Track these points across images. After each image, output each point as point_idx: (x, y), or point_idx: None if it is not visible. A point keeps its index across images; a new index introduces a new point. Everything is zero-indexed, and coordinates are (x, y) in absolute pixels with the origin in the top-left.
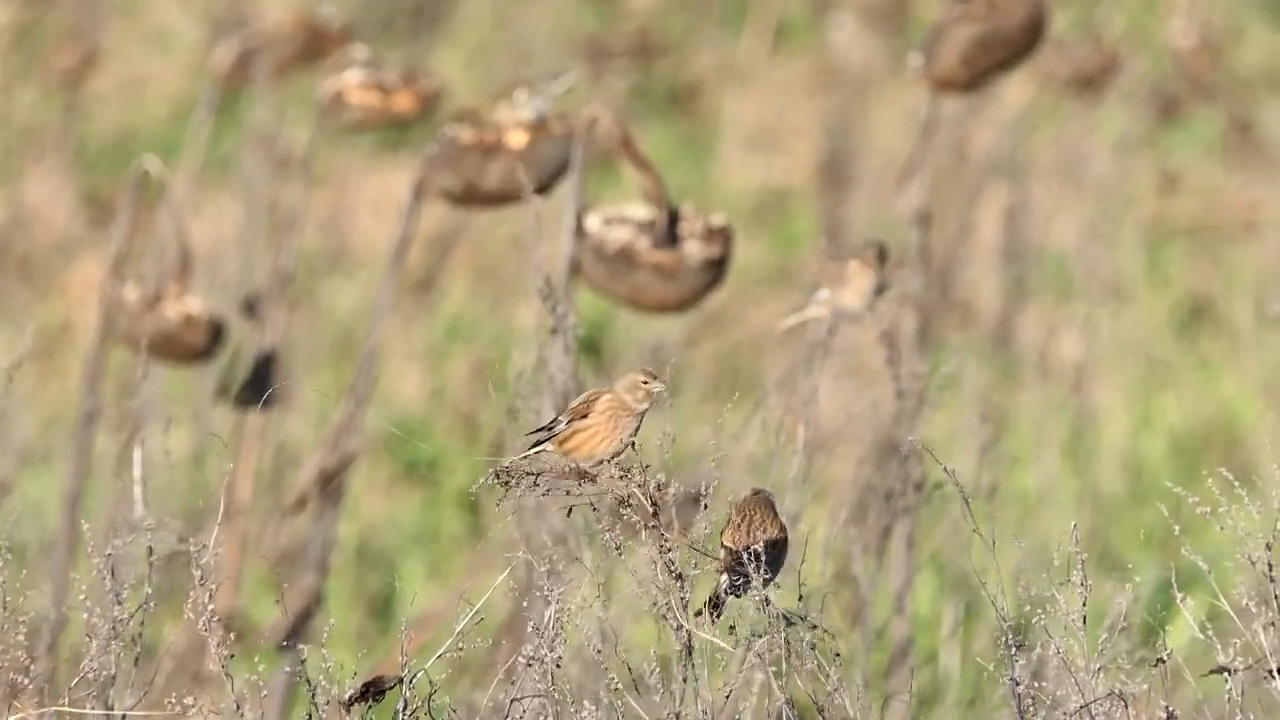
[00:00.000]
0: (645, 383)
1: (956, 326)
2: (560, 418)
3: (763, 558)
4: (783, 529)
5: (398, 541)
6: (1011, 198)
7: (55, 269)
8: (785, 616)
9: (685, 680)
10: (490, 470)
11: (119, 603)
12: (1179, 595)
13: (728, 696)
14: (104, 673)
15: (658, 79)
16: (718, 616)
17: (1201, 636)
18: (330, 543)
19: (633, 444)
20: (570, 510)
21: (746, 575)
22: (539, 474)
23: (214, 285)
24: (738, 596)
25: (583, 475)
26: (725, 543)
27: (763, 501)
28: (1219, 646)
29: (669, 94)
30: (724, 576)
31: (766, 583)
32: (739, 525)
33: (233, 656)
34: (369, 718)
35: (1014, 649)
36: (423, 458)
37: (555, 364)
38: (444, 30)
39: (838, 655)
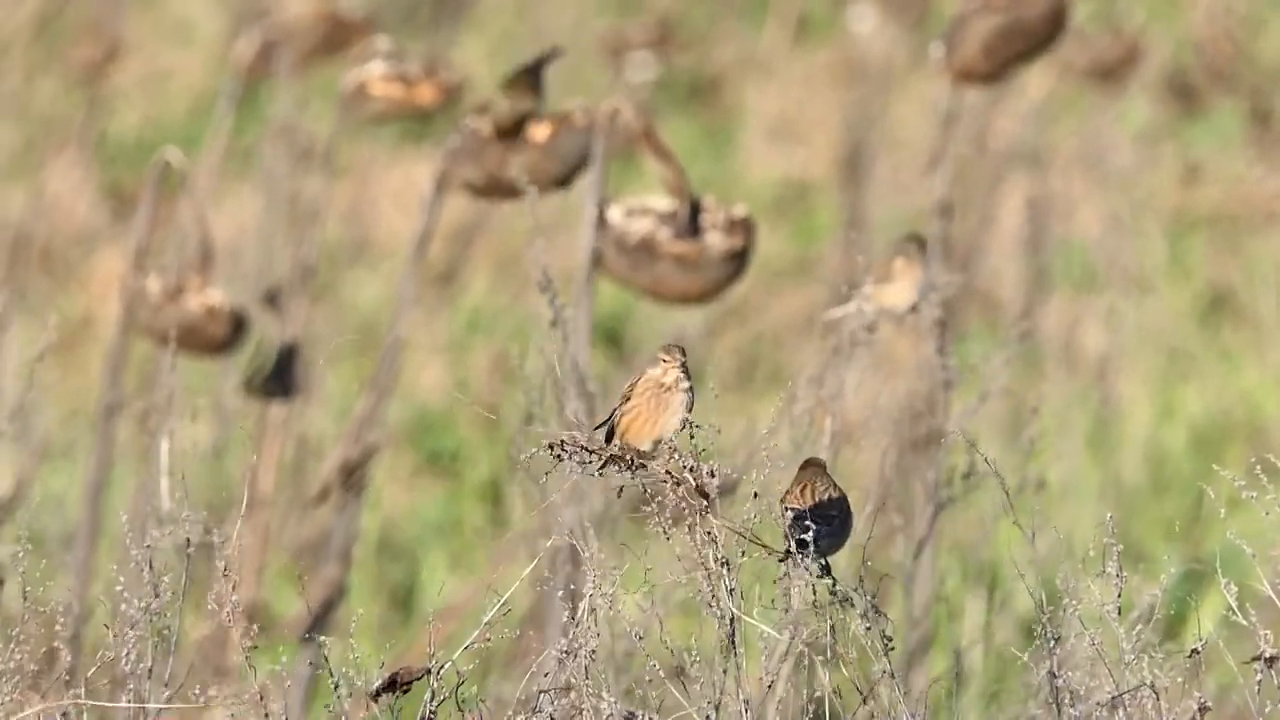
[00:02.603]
0: (664, 359)
1: (979, 318)
2: (617, 408)
3: (836, 517)
4: (844, 494)
5: (420, 533)
6: (1033, 189)
7: (77, 261)
8: (840, 592)
9: (726, 671)
10: (545, 442)
11: (157, 595)
12: (1222, 581)
13: (770, 685)
14: (140, 665)
15: (679, 71)
16: (795, 565)
17: (1235, 625)
18: (353, 535)
19: (687, 422)
20: (621, 490)
21: (818, 532)
22: (593, 450)
23: (235, 277)
24: (817, 552)
25: (635, 460)
26: (791, 504)
27: (821, 470)
28: (1264, 635)
29: (690, 86)
30: (793, 534)
31: (835, 547)
32: (801, 491)
33: (255, 648)
34: (395, 710)
35: (1053, 641)
36: (445, 449)
37: (578, 355)
38: (466, 22)
39: (889, 640)
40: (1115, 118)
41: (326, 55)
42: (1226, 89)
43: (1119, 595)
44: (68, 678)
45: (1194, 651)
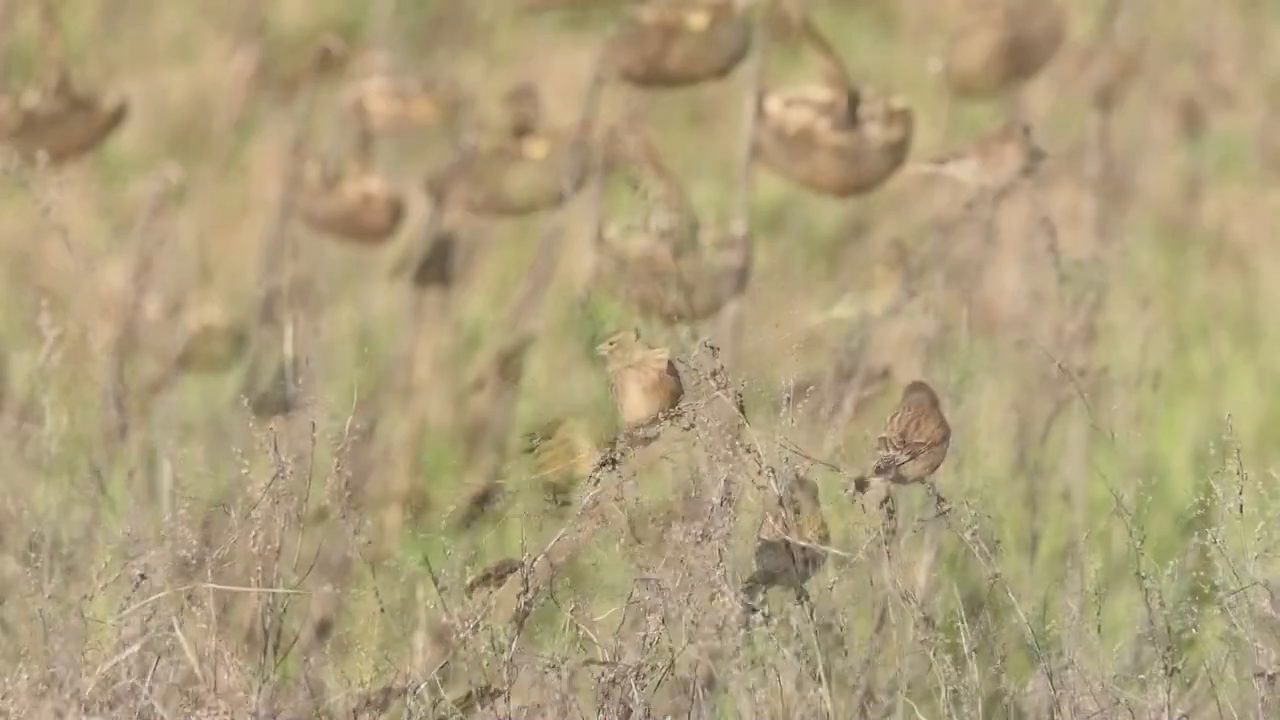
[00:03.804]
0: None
1: (977, 326)
2: None
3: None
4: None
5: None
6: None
7: (79, 279)
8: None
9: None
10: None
11: (154, 613)
12: (1219, 596)
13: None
14: (145, 678)
15: None
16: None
17: (1236, 640)
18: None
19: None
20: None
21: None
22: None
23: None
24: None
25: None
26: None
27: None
28: (1261, 651)
29: None
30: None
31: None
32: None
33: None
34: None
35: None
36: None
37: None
38: (465, 39)
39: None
40: (1115, 133)
41: (324, 72)
42: (1229, 105)
43: (1098, 613)
44: (74, 691)
45: (1198, 670)
